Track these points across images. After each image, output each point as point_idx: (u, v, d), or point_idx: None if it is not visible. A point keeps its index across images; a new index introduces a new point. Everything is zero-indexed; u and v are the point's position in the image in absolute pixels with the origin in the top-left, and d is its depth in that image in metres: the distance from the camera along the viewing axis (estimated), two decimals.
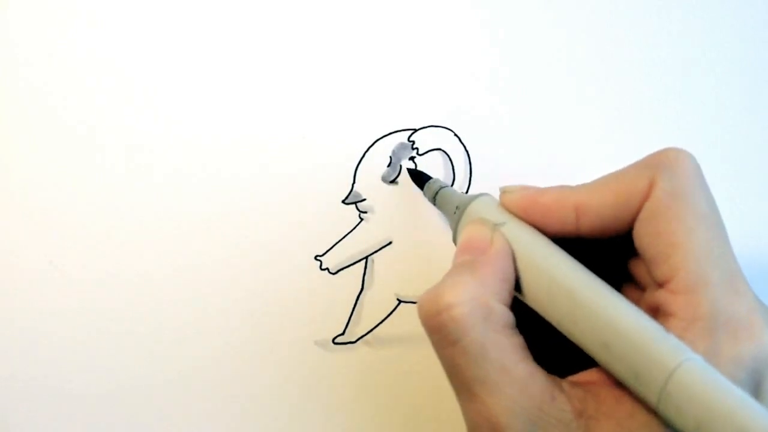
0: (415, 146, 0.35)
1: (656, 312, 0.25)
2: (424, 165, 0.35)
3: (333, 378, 0.35)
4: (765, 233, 0.36)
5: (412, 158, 0.35)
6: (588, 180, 0.27)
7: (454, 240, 0.29)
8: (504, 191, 0.28)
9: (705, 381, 0.21)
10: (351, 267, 0.35)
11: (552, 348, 0.26)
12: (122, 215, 0.35)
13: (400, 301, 0.35)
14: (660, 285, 0.25)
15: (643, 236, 0.25)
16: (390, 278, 0.35)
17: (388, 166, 0.35)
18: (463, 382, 0.25)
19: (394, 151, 0.35)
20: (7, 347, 0.35)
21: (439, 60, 0.36)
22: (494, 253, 0.26)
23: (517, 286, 0.26)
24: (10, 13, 0.35)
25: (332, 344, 0.35)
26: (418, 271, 0.35)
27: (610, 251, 0.27)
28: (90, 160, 0.35)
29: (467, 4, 0.36)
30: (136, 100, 0.35)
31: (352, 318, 0.35)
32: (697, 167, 0.25)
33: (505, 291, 0.26)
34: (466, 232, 0.27)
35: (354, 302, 0.35)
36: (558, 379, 0.25)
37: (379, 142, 0.35)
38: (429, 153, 0.36)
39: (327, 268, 0.35)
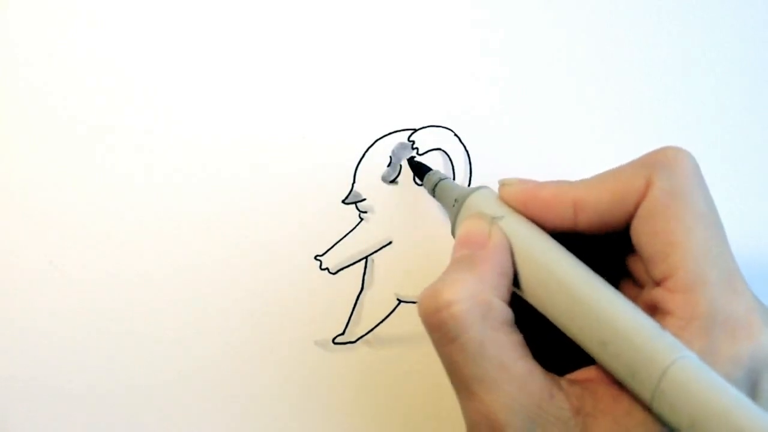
0: (415, 146, 0.35)
1: (654, 310, 0.25)
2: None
3: (333, 378, 0.35)
4: (765, 233, 0.36)
5: (412, 158, 0.35)
6: None
7: (453, 233, 0.29)
8: (503, 184, 0.28)
9: (699, 379, 0.21)
10: (351, 267, 0.35)
11: (550, 346, 0.26)
12: (122, 215, 0.35)
13: (400, 301, 0.35)
14: (658, 283, 0.25)
15: (640, 234, 0.25)
16: (390, 278, 0.35)
17: (388, 166, 0.35)
18: (461, 379, 0.25)
19: (394, 151, 0.35)
20: (7, 347, 0.35)
21: (439, 60, 0.36)
22: (492, 248, 0.26)
23: (515, 281, 0.26)
24: (10, 13, 0.35)
25: (332, 344, 0.35)
26: (418, 271, 0.35)
27: (608, 247, 0.27)
28: (90, 160, 0.35)
29: (467, 4, 0.36)
30: (136, 100, 0.35)
31: (352, 318, 0.35)
32: (696, 166, 0.25)
33: (503, 286, 0.26)
34: (465, 226, 0.27)
35: (354, 302, 0.35)
36: (556, 376, 0.25)
37: (379, 142, 0.35)
38: (429, 153, 0.36)
39: (327, 268, 0.35)
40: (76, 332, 0.35)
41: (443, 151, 0.36)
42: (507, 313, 0.25)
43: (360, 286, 0.35)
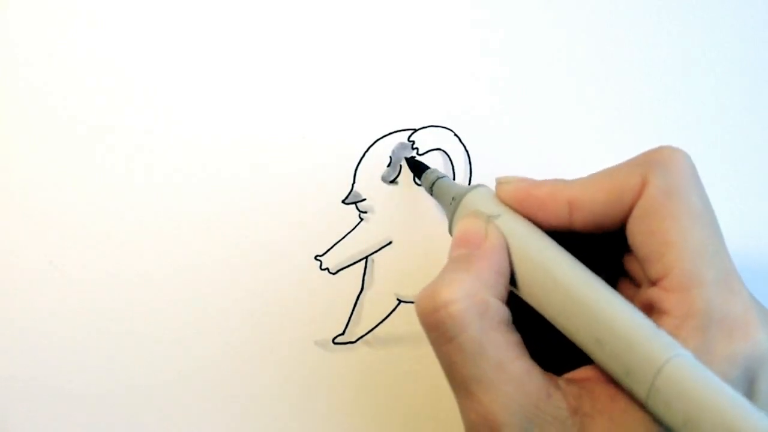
0: (415, 146, 0.35)
1: (650, 309, 0.25)
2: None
3: (333, 378, 0.35)
4: (765, 233, 0.36)
5: (412, 158, 0.35)
6: None
7: (450, 231, 0.29)
8: (500, 182, 0.28)
9: (693, 377, 0.21)
10: (351, 267, 0.35)
11: (547, 345, 0.26)
12: (122, 215, 0.35)
13: (400, 301, 0.35)
14: (653, 282, 0.25)
15: (636, 234, 0.25)
16: (390, 278, 0.35)
17: (388, 166, 0.35)
18: (459, 379, 0.25)
19: (394, 151, 0.35)
20: (7, 347, 0.35)
21: (439, 60, 0.36)
22: (489, 247, 0.26)
23: (512, 280, 0.26)
24: (10, 13, 0.35)
25: (332, 344, 0.35)
26: (418, 271, 0.35)
27: (605, 246, 0.27)
28: (90, 160, 0.35)
29: (467, 4, 0.36)
30: (136, 100, 0.35)
31: (352, 318, 0.35)
32: (691, 166, 0.25)
33: (500, 285, 0.26)
34: (461, 225, 0.27)
35: (354, 302, 0.35)
36: (554, 376, 0.25)
37: (379, 142, 0.35)
38: (429, 153, 0.36)
39: (327, 268, 0.35)
40: (76, 332, 0.35)
41: (443, 151, 0.36)
42: (504, 312, 0.25)
43: (360, 286, 0.35)
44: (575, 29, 0.36)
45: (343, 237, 0.35)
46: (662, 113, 0.36)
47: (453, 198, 0.29)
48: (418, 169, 0.34)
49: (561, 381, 0.25)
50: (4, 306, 0.35)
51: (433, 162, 0.35)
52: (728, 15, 0.37)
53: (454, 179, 0.36)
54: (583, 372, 0.25)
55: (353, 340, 0.35)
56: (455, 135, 0.36)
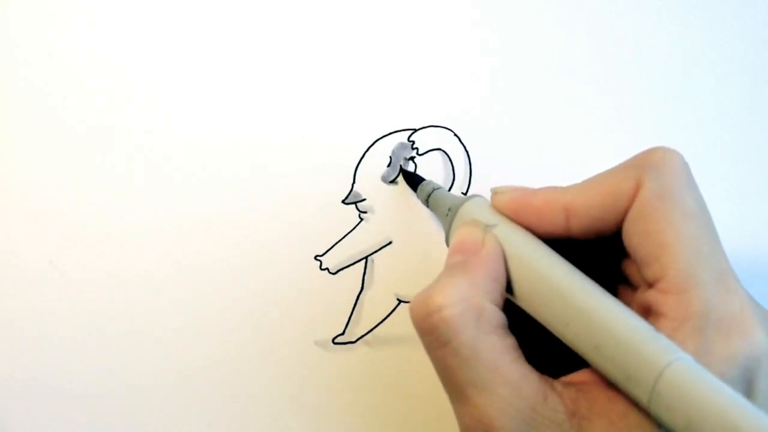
0: (415, 146, 0.35)
1: (647, 312, 0.25)
2: (424, 165, 0.35)
3: (333, 378, 0.35)
4: (765, 233, 0.36)
5: (411, 158, 0.35)
6: None
7: (447, 242, 0.29)
8: (495, 192, 0.28)
9: (694, 380, 0.21)
10: (351, 267, 0.35)
11: (544, 349, 0.26)
12: (122, 215, 0.35)
13: (400, 301, 0.35)
14: (650, 285, 0.25)
15: (632, 236, 0.25)
16: (390, 278, 0.35)
17: (388, 166, 0.35)
18: (455, 384, 0.25)
19: (394, 151, 0.35)
20: (7, 347, 0.35)
21: (439, 60, 0.36)
22: (486, 255, 0.26)
23: (509, 288, 0.26)
24: (10, 13, 0.35)
25: (332, 344, 0.35)
26: (418, 271, 0.35)
27: (602, 252, 0.27)
28: (90, 160, 0.35)
29: (467, 4, 0.36)
30: (136, 100, 0.35)
31: (352, 318, 0.35)
32: (685, 166, 0.25)
33: (496, 291, 0.26)
34: (458, 233, 0.27)
35: (354, 302, 0.35)
36: (550, 379, 0.25)
37: (379, 142, 0.35)
38: (429, 153, 0.36)
39: (327, 268, 0.35)
40: (76, 332, 0.35)
41: (443, 151, 0.36)
42: (500, 317, 0.25)
43: (360, 286, 0.35)
44: (575, 29, 0.36)
45: (343, 237, 0.35)
46: (662, 113, 0.36)
47: (449, 209, 0.29)
48: (413, 181, 0.34)
49: (558, 384, 0.25)
50: (4, 306, 0.35)
51: (433, 162, 0.35)
52: (728, 15, 0.37)
53: (454, 179, 0.36)
54: (579, 375, 0.25)
55: (353, 340, 0.35)
56: (455, 135, 0.36)
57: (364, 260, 0.35)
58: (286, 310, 0.35)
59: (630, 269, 0.27)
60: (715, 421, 0.20)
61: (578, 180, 0.27)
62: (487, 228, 0.27)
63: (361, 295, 0.35)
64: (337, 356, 0.35)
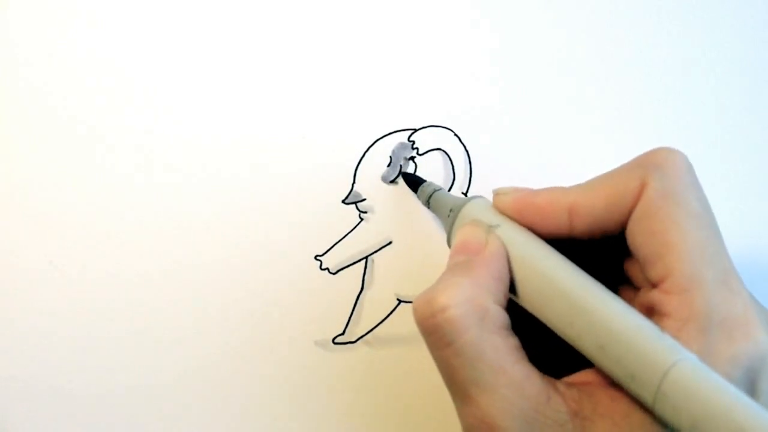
0: (415, 146, 0.35)
1: (651, 312, 0.25)
2: (424, 165, 0.35)
3: (333, 378, 0.35)
4: (765, 233, 0.36)
5: (412, 158, 0.35)
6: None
7: (449, 243, 0.29)
8: (497, 193, 0.28)
9: (699, 380, 0.21)
10: (351, 267, 0.35)
11: (547, 349, 0.26)
12: (122, 215, 0.35)
13: (400, 301, 0.35)
14: (654, 285, 0.25)
15: (636, 236, 0.25)
16: (390, 278, 0.35)
17: (388, 166, 0.35)
18: (458, 384, 0.25)
19: (394, 151, 0.35)
20: (7, 347, 0.35)
21: (439, 60, 0.36)
22: (489, 254, 0.26)
23: (512, 288, 0.26)
24: (10, 13, 0.35)
25: (332, 344, 0.35)
26: (418, 271, 0.35)
27: (605, 252, 0.27)
28: (90, 160, 0.35)
29: (467, 3, 0.36)
30: (136, 100, 0.35)
31: (352, 318, 0.35)
32: (689, 166, 0.25)
33: (500, 292, 0.26)
34: (461, 233, 0.27)
35: (354, 302, 0.35)
36: (553, 380, 0.25)
37: (379, 142, 0.35)
38: (429, 153, 0.36)
39: (327, 268, 0.35)
40: (76, 332, 0.35)
41: (443, 151, 0.36)
42: (503, 317, 0.25)
43: (360, 286, 0.35)
44: (575, 29, 0.36)
45: (343, 237, 0.35)
46: (662, 113, 0.36)
47: (450, 210, 0.29)
48: (413, 183, 0.34)
49: (560, 384, 0.25)
50: (4, 306, 0.35)
51: (433, 162, 0.35)
52: (728, 15, 0.37)
53: (454, 179, 0.36)
54: (582, 375, 0.25)
55: (353, 340, 0.35)
56: (455, 135, 0.36)
57: (364, 260, 0.35)
58: (286, 310, 0.35)
59: (632, 269, 0.27)
60: (720, 421, 0.20)
61: (579, 180, 0.27)
62: (489, 228, 0.27)
63: (361, 295, 0.35)
64: (337, 356, 0.35)
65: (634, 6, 0.37)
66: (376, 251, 0.35)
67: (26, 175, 0.35)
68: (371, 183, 0.35)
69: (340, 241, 0.35)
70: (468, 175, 0.36)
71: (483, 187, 0.34)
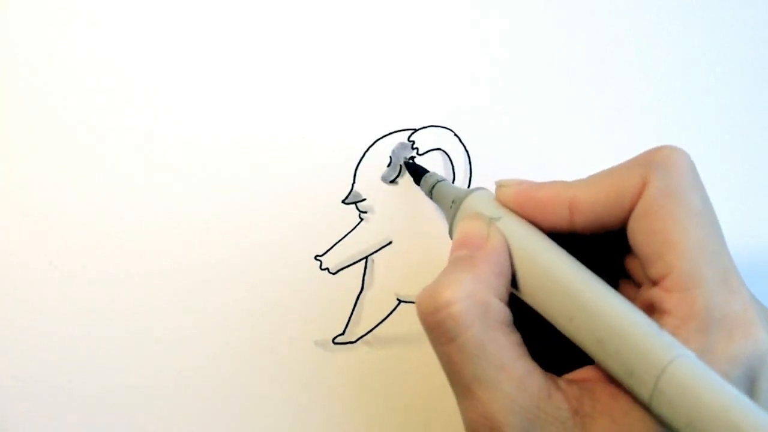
0: (415, 146, 0.35)
1: (651, 310, 0.25)
2: (424, 165, 0.35)
3: (333, 378, 0.35)
4: (765, 233, 0.36)
5: (412, 158, 0.35)
6: None
7: (450, 234, 0.29)
8: (500, 185, 0.28)
9: (697, 377, 0.21)
10: (351, 267, 0.35)
11: (548, 346, 0.26)
12: (122, 215, 0.35)
13: (400, 301, 0.35)
14: (654, 283, 0.25)
15: (637, 234, 0.25)
16: (390, 278, 0.35)
17: (388, 166, 0.35)
18: (460, 379, 0.25)
19: (394, 151, 0.35)
20: (7, 347, 0.35)
21: (439, 60, 0.36)
22: (491, 248, 0.26)
23: (513, 282, 0.26)
24: (10, 13, 0.35)
25: (332, 344, 0.35)
26: (418, 271, 0.35)
27: (606, 247, 0.27)
28: (90, 160, 0.35)
29: (467, 3, 0.36)
30: (136, 100, 0.35)
31: (352, 318, 0.35)
32: (691, 165, 0.25)
33: (502, 286, 0.26)
34: (462, 226, 0.27)
35: (354, 302, 0.35)
36: (554, 377, 0.25)
37: (379, 142, 0.35)
38: (429, 153, 0.36)
39: (327, 268, 0.35)
40: (76, 332, 0.35)
41: (443, 151, 0.36)
42: (505, 313, 0.25)
43: (360, 286, 0.35)
44: (575, 29, 0.36)
45: (343, 237, 0.35)
46: (662, 113, 0.36)
47: (453, 201, 0.29)
48: (416, 172, 0.34)
49: (561, 381, 0.25)
50: (4, 306, 0.35)
51: (433, 162, 0.35)
52: (728, 15, 0.37)
53: (454, 179, 0.36)
54: (583, 372, 0.25)
55: (353, 340, 0.35)
56: (455, 135, 0.36)
57: (364, 260, 0.35)
58: (286, 310, 0.35)
59: (632, 265, 0.27)
60: (716, 419, 0.20)
61: None
62: (491, 221, 0.27)
63: (361, 295, 0.35)
64: (337, 356, 0.35)
65: (634, 6, 0.37)
66: (376, 251, 0.35)
67: (26, 175, 0.35)
68: (371, 183, 0.35)
69: (340, 241, 0.35)
70: (468, 175, 0.36)
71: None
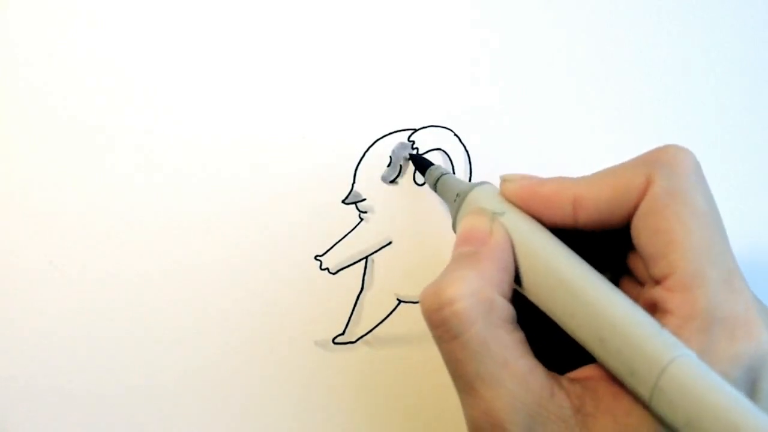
0: (415, 146, 0.35)
1: (653, 309, 0.25)
2: None
3: (333, 378, 0.35)
4: (765, 233, 0.36)
5: (413, 153, 0.35)
6: None
7: (454, 227, 0.29)
8: (504, 180, 0.28)
9: (697, 377, 0.21)
10: (351, 267, 0.35)
11: (551, 344, 0.26)
12: (122, 215, 0.35)
13: (400, 301, 0.35)
14: (657, 282, 0.25)
15: (640, 233, 0.25)
16: (390, 278, 0.35)
17: (388, 166, 0.35)
18: (463, 377, 0.25)
19: (393, 151, 0.35)
20: (7, 347, 0.35)
21: (439, 60, 0.36)
22: (494, 244, 0.26)
23: (516, 278, 0.26)
24: (10, 13, 0.35)
25: (332, 344, 0.35)
26: (418, 271, 0.35)
27: (609, 245, 0.27)
28: (90, 160, 0.35)
29: (467, 3, 0.36)
30: (136, 100, 0.35)
31: (352, 318, 0.35)
32: (697, 165, 0.25)
33: (505, 283, 0.26)
34: (466, 221, 0.27)
35: (354, 302, 0.35)
36: (557, 375, 0.25)
37: (379, 142, 0.35)
38: (429, 153, 0.36)
39: (327, 268, 0.35)
40: (76, 332, 0.35)
41: (443, 151, 0.36)
42: (509, 310, 0.25)
43: (360, 286, 0.35)
44: (575, 29, 0.36)
45: (343, 237, 0.35)
46: (662, 113, 0.36)
47: (457, 195, 0.29)
48: (421, 165, 0.34)
49: (564, 380, 0.25)
50: (4, 306, 0.35)
51: (434, 162, 0.35)
52: (728, 15, 0.37)
53: None
54: (586, 371, 0.25)
55: (353, 340, 0.35)
56: (455, 135, 0.36)
57: (364, 260, 0.35)
58: (286, 310, 0.35)
59: (635, 263, 0.27)
60: (715, 419, 0.20)
61: None
62: (494, 216, 0.27)
63: (361, 295, 0.35)
64: (337, 356, 0.35)
65: (634, 6, 0.37)
66: (376, 251, 0.35)
67: (26, 175, 0.35)
68: (371, 183, 0.35)
69: (340, 241, 0.35)
70: (468, 175, 0.36)
71: None
